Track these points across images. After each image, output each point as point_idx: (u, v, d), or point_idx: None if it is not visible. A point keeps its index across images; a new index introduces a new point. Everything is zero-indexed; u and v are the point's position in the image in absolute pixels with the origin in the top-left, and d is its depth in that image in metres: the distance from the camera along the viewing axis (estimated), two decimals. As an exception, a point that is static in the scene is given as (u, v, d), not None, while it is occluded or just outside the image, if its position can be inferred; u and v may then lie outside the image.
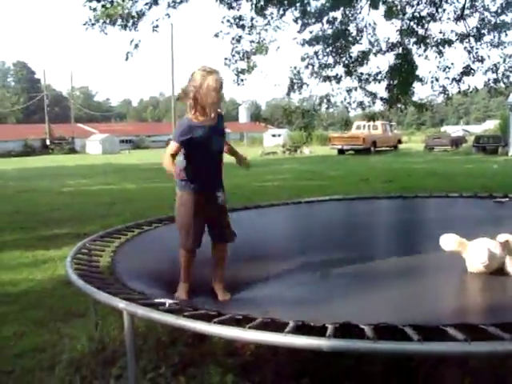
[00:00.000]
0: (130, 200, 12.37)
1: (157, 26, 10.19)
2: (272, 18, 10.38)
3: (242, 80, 10.72)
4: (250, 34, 10.44)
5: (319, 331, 2.45)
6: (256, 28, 10.36)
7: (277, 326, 2.54)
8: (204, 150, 3.98)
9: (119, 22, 9.75)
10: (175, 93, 48.01)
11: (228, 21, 10.41)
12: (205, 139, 3.95)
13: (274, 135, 56.99)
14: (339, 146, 34.86)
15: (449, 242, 3.76)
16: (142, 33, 10.21)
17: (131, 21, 9.82)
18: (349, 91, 11.85)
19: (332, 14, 11.50)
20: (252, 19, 10.53)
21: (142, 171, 23.09)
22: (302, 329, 2.56)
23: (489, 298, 3.39)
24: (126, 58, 10.20)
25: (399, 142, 41.20)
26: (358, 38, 11.90)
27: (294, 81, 11.19)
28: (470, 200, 7.26)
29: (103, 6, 9.51)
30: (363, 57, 11.96)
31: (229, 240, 4.12)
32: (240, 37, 10.48)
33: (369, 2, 11.70)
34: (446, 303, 3.19)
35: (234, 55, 10.56)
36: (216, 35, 10.43)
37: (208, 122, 3.96)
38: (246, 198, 11.46)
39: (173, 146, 3.95)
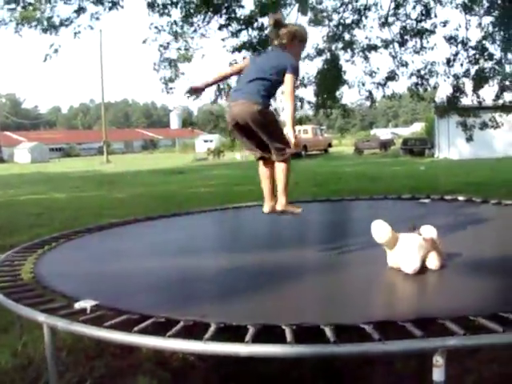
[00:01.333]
0: (58, 209, 12.13)
1: (79, 32, 10.08)
2: (198, 25, 10.37)
3: (171, 88, 10.68)
4: (176, 41, 10.39)
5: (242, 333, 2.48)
6: (183, 35, 10.31)
7: (200, 330, 2.55)
8: None
9: (40, 25, 9.59)
10: (105, 99, 47.41)
11: (156, 27, 10.35)
12: None
13: (206, 141, 57.02)
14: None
15: (381, 231, 3.67)
16: (64, 38, 10.07)
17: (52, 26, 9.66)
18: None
19: (261, 21, 11.57)
20: (181, 26, 10.48)
21: (71, 180, 22.76)
22: (225, 331, 2.59)
23: (409, 293, 3.45)
24: (44, 60, 9.99)
25: (329, 145, 41.83)
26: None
27: (221, 87, 11.18)
28: (394, 202, 7.45)
29: (23, 7, 9.34)
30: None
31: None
32: (168, 44, 10.41)
33: (298, 8, 11.86)
34: (365, 300, 3.22)
35: (162, 62, 10.50)
36: (144, 41, 10.36)
37: None
38: (178, 205, 11.42)
39: None
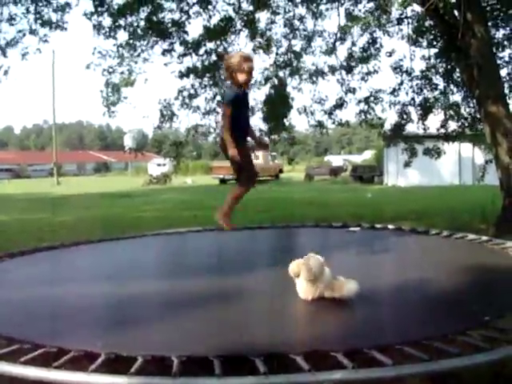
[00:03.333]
0: (-3, 233, 11.87)
1: (26, 54, 10.01)
2: (142, 49, 10.36)
3: (114, 112, 10.62)
4: (120, 65, 10.35)
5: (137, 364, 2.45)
6: (126, 59, 10.29)
7: (90, 359, 2.52)
8: None
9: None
10: (59, 120, 46.86)
11: (99, 52, 10.29)
12: None
13: (159, 164, 56.57)
14: (221, 176, 35.03)
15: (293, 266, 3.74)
16: (13, 59, 9.99)
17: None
18: (217, 123, 12.00)
19: (209, 46, 11.65)
20: (126, 49, 10.46)
21: (17, 202, 22.34)
22: (115, 361, 2.56)
23: (306, 325, 3.45)
24: None
25: (280, 171, 42.04)
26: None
27: (164, 112, 11.19)
28: (323, 230, 7.51)
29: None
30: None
31: None
32: (111, 68, 10.35)
33: (247, 34, 11.98)
34: (262, 331, 3.19)
35: (106, 86, 10.43)
36: (87, 67, 10.28)
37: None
38: (120, 230, 11.31)
39: None
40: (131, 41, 10.27)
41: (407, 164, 12.95)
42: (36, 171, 65.69)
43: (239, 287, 4.22)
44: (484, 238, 6.07)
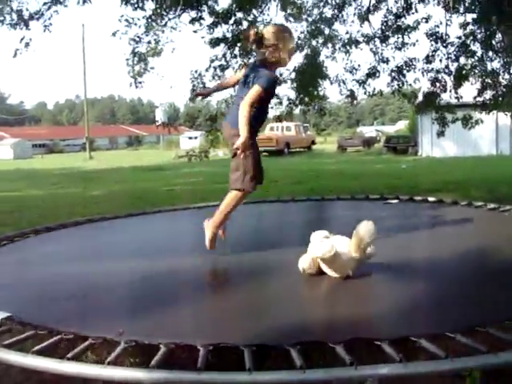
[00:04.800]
0: (31, 207, 11.81)
1: (50, 25, 9.82)
2: (169, 18, 10.07)
3: (140, 83, 10.38)
4: (147, 34, 10.08)
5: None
6: (153, 28, 10.01)
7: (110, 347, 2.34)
8: None
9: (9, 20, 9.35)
10: (91, 95, 46.95)
11: (126, 20, 10.03)
12: None
13: (190, 138, 56.49)
14: (251, 146, 34.74)
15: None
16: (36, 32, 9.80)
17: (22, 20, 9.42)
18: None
19: (239, 15, 11.37)
20: (153, 19, 10.20)
21: (51, 177, 22.39)
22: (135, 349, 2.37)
23: (339, 308, 3.22)
24: (15, 55, 9.74)
25: (313, 143, 41.62)
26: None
27: (195, 84, 10.94)
28: (360, 202, 7.23)
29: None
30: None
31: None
32: (138, 37, 10.08)
33: (278, 3, 11.68)
34: (290, 317, 2.97)
35: (132, 56, 10.17)
36: (113, 34, 10.00)
37: None
38: (151, 203, 11.17)
39: None
40: (158, 10, 9.99)
41: (440, 134, 12.54)
42: (69, 146, 66.15)
43: (268, 267, 4.02)
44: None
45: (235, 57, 11.53)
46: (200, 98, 5.11)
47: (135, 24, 10.03)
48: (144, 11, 10.11)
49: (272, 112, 13.00)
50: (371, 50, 12.40)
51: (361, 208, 7.03)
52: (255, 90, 3.97)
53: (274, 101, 12.10)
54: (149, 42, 10.00)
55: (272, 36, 4.07)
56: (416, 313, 2.89)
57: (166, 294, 3.43)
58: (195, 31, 10.46)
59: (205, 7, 10.47)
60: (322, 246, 3.43)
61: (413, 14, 11.99)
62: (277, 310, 3.09)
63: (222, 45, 11.30)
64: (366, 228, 3.43)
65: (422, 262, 3.94)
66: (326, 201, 7.74)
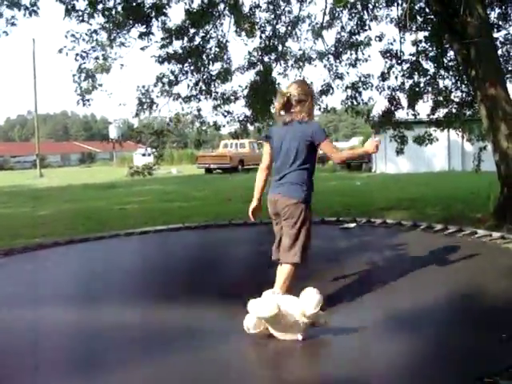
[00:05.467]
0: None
1: None
2: (117, 33, 9.73)
3: (88, 100, 10.00)
4: (94, 50, 9.72)
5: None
6: (99, 44, 9.66)
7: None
8: None
9: None
10: (44, 111, 46.12)
11: (73, 35, 9.66)
12: None
13: (143, 154, 55.58)
14: (206, 165, 34.46)
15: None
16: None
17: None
18: (199, 110, 11.50)
19: (192, 31, 11.17)
20: (100, 34, 9.86)
21: (-2, 195, 21.72)
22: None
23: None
24: None
25: (268, 159, 41.43)
26: (219, 55, 11.59)
27: (143, 100, 10.61)
28: (316, 226, 7.00)
29: None
30: (225, 74, 11.67)
31: None
32: (85, 53, 9.70)
33: (232, 19, 11.52)
34: None
35: (79, 73, 9.79)
36: (60, 51, 9.62)
37: None
38: (102, 224, 10.82)
39: None
40: (107, 24, 9.66)
41: (399, 151, 12.49)
42: (20, 163, 64.83)
43: (210, 322, 3.74)
44: (495, 234, 5.64)
45: (186, 73, 11.29)
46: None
47: (83, 39, 9.69)
48: (90, 25, 9.78)
49: (227, 129, 12.80)
50: (325, 66, 12.31)
51: (316, 234, 6.79)
52: (328, 143, 4.20)
53: (228, 118, 11.94)
54: (96, 58, 9.64)
55: (302, 92, 4.20)
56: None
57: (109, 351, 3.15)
58: (143, 48, 10.17)
59: (154, 22, 10.17)
60: (263, 303, 3.17)
61: (366, 31, 11.95)
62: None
63: (172, 61, 11.06)
64: (309, 299, 3.20)
65: (389, 312, 3.70)
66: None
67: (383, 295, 4.08)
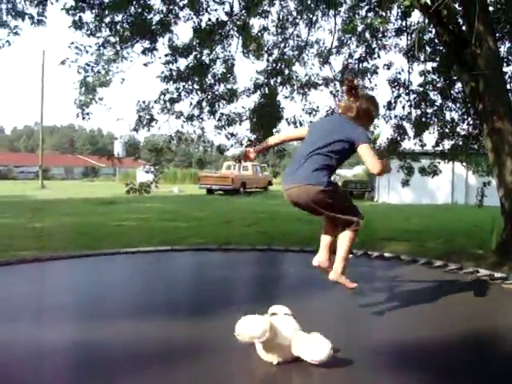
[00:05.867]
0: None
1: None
2: (121, 47, 9.62)
3: (88, 114, 9.84)
4: (97, 64, 9.59)
5: None
6: (103, 57, 9.53)
7: None
8: None
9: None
10: (51, 123, 46.13)
11: (76, 47, 9.54)
12: None
13: (147, 171, 55.44)
14: (208, 186, 34.32)
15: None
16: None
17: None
18: (203, 129, 11.37)
19: (199, 50, 11.08)
20: (102, 46, 9.74)
21: (-5, 205, 21.56)
22: None
23: None
24: None
25: (269, 183, 41.34)
26: (226, 75, 11.50)
27: (142, 115, 10.48)
28: (309, 255, 6.80)
29: None
30: (231, 95, 11.58)
31: None
32: (88, 66, 9.57)
33: (239, 40, 11.46)
34: None
35: (80, 86, 9.65)
36: (62, 63, 9.50)
37: None
38: (96, 240, 10.65)
39: None
40: (111, 38, 9.56)
41: (405, 183, 12.33)
42: (23, 173, 64.91)
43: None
44: (497, 274, 5.43)
45: (190, 91, 11.17)
46: (253, 156, 4.63)
47: (86, 52, 9.58)
48: (97, 38, 9.67)
49: (231, 151, 12.67)
50: (331, 92, 12.18)
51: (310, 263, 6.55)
52: (368, 147, 3.93)
53: (233, 141, 11.81)
54: (98, 72, 9.51)
55: (367, 107, 4.14)
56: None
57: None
58: (146, 64, 10.02)
59: (159, 39, 10.08)
60: (254, 325, 3.00)
61: (375, 59, 11.86)
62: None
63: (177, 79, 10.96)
64: (320, 349, 3.00)
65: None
66: (274, 252, 7.23)
67: (367, 331, 3.89)
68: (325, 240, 4.29)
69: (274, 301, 3.45)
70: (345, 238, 4.07)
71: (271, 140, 4.76)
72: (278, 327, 3.01)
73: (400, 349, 3.39)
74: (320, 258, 4.25)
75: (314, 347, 2.98)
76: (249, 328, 2.97)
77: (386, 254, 6.60)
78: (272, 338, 2.97)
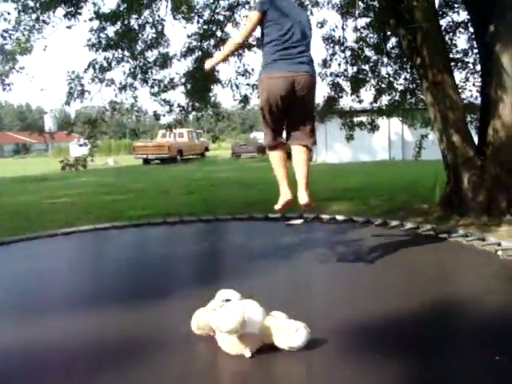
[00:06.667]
0: None
1: None
2: (41, 12, 9.00)
3: (8, 85, 9.25)
4: (16, 30, 8.96)
5: None
6: (22, 23, 8.91)
7: None
8: None
9: None
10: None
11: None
12: None
13: (80, 145, 54.10)
14: (144, 156, 33.61)
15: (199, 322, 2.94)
16: None
17: None
18: (135, 98, 10.94)
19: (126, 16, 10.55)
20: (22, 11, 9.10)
21: None
22: None
23: None
24: None
25: (206, 149, 40.91)
26: (156, 41, 11.05)
27: (73, 86, 9.96)
28: (260, 223, 6.56)
29: None
30: (164, 61, 11.16)
31: None
32: (6, 32, 8.89)
33: (169, 4, 10.99)
34: None
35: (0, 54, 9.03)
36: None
37: None
38: (29, 220, 10.15)
39: None
40: (30, 2, 8.91)
41: (350, 137, 12.24)
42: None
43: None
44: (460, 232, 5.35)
45: (121, 60, 10.69)
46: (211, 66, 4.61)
47: (4, 19, 8.93)
48: (16, 3, 9.00)
49: (166, 119, 12.28)
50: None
51: (260, 231, 6.29)
52: None
53: (165, 108, 11.44)
54: (17, 39, 8.89)
55: None
56: None
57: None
58: (69, 27, 9.42)
59: (84, 4, 9.50)
60: (227, 316, 2.73)
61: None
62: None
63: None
64: (297, 335, 2.78)
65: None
66: (220, 222, 6.94)
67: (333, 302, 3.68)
68: (283, 175, 4.30)
69: (225, 279, 3.19)
70: (305, 159, 4.17)
71: (224, 52, 4.55)
72: (246, 314, 2.76)
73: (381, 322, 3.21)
74: (287, 193, 4.22)
75: (290, 334, 2.75)
76: (225, 321, 2.70)
77: (339, 217, 6.42)
78: (242, 328, 2.72)
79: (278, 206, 4.19)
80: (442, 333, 3.01)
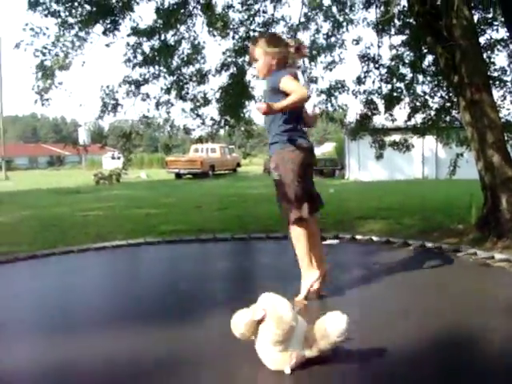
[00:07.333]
0: None
1: None
2: (80, 28, 9.07)
3: (47, 100, 9.34)
4: (55, 46, 9.06)
5: None
6: (61, 38, 8.99)
7: None
8: None
9: None
10: (13, 113, 45.11)
11: (32, 29, 8.98)
12: None
13: (113, 158, 54.62)
14: (176, 170, 33.72)
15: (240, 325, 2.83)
16: None
17: None
18: (168, 112, 10.98)
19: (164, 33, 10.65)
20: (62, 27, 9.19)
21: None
22: None
23: None
24: None
25: (238, 165, 40.97)
26: (193, 57, 11.12)
27: (107, 101, 10.02)
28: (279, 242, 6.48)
29: None
30: (201, 77, 11.22)
31: None
32: (46, 48, 9.02)
33: (204, 19, 11.07)
34: None
35: (37, 70, 9.12)
36: (17, 46, 8.94)
37: None
38: (62, 233, 10.19)
39: None
40: (70, 18, 9.01)
41: (379, 156, 12.15)
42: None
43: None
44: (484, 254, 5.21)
45: (157, 76, 10.76)
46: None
47: (44, 34, 9.03)
48: (56, 19, 9.09)
49: (197, 133, 12.31)
50: (298, 67, 11.86)
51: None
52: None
53: (197, 121, 11.49)
54: (56, 55, 8.97)
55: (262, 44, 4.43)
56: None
57: None
58: (108, 45, 9.51)
59: (122, 21, 9.58)
60: (284, 305, 2.68)
61: (343, 33, 11.60)
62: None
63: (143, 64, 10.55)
64: (335, 324, 2.71)
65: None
66: (253, 240, 6.88)
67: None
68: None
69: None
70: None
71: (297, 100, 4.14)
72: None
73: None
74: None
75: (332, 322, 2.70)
76: (283, 307, 2.65)
77: (375, 238, 6.32)
78: (290, 336, 2.65)
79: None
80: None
